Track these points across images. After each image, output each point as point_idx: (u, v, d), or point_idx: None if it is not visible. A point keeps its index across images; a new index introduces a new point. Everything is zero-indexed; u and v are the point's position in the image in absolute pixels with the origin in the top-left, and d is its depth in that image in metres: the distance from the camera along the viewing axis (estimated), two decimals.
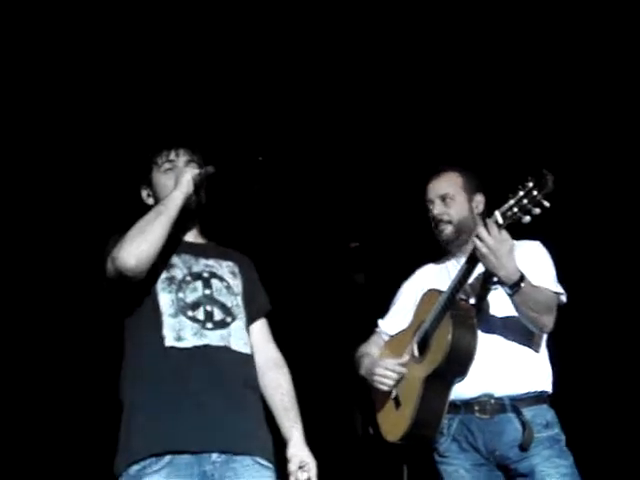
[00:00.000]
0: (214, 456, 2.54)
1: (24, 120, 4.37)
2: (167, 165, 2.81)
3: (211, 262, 2.80)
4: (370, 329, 3.33)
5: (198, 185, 2.72)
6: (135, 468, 2.50)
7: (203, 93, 4.45)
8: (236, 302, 2.77)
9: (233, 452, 2.57)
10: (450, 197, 3.09)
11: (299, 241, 5.14)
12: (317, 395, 4.70)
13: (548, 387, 3.00)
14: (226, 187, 2.89)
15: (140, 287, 2.65)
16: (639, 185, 4.63)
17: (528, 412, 2.91)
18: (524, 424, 2.88)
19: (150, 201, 2.85)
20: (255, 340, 2.83)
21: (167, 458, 2.50)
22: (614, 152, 4.59)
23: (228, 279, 2.79)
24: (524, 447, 2.86)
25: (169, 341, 2.61)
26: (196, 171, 2.72)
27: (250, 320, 2.83)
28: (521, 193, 2.67)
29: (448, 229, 3.08)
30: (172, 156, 2.82)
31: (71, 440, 4.89)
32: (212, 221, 2.93)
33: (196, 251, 2.81)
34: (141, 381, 2.61)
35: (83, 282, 4.46)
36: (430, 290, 3.09)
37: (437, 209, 3.10)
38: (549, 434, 2.91)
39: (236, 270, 2.84)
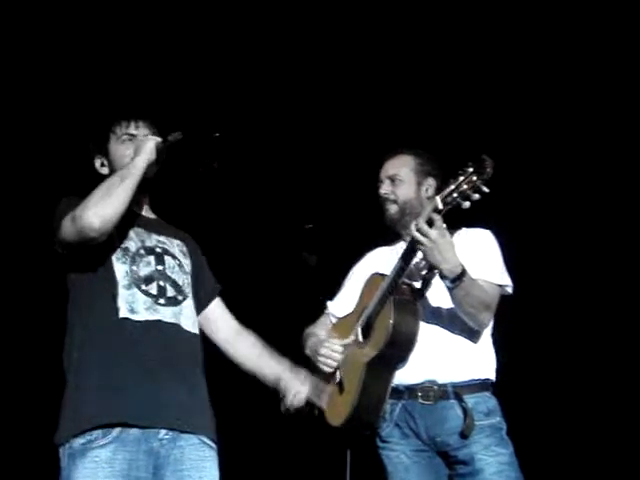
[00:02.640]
0: (162, 433, 2.53)
1: None
2: (126, 137, 2.77)
3: (162, 239, 2.78)
4: (321, 311, 3.33)
5: (160, 153, 2.67)
6: (79, 441, 2.46)
7: (163, 67, 4.41)
8: (187, 281, 2.76)
9: (180, 430, 2.56)
10: (399, 178, 3.11)
11: (253, 221, 5.12)
12: None
13: (491, 375, 3.02)
14: (180, 162, 2.85)
15: (95, 254, 2.60)
16: (597, 176, 4.68)
17: (470, 399, 2.92)
18: (465, 411, 2.89)
19: (104, 170, 2.81)
20: (218, 316, 2.87)
21: (116, 431, 2.46)
22: (574, 138, 4.63)
23: (180, 257, 2.78)
24: (465, 434, 2.88)
25: (123, 312, 2.58)
26: (159, 139, 2.67)
27: (206, 302, 2.85)
28: (461, 178, 2.66)
29: (393, 209, 3.10)
30: (132, 128, 2.78)
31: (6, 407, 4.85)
32: (162, 196, 2.90)
33: (148, 225, 2.79)
34: (92, 350, 2.56)
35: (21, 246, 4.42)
36: (374, 274, 3.09)
37: (383, 189, 3.13)
38: (490, 422, 2.93)
39: (185, 250, 2.83)
